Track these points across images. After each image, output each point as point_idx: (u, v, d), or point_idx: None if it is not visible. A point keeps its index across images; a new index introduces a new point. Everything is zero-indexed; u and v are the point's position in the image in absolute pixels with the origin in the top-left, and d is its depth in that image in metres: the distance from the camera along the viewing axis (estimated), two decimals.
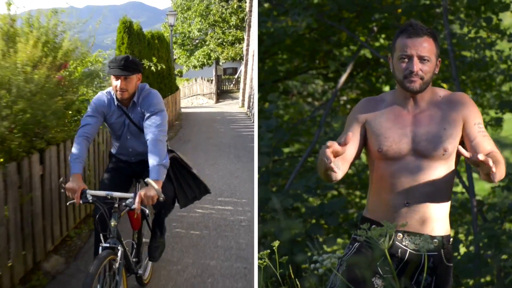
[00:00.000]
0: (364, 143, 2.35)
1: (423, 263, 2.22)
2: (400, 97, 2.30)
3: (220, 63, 19.31)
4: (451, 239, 2.32)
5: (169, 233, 4.84)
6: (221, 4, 16.06)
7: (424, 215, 2.22)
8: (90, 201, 3.01)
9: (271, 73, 6.07)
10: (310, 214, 5.03)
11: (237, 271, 4.16)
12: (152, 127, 3.21)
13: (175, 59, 16.38)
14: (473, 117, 2.24)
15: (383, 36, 5.99)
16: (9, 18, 4.49)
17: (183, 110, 14.98)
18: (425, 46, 2.19)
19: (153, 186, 2.92)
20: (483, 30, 5.59)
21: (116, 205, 3.01)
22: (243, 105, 16.56)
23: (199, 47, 17.14)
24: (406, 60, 2.21)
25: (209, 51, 16.45)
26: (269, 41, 5.45)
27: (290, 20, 5.29)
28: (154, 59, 8.42)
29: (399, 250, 2.24)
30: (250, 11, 14.90)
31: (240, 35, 16.16)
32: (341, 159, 2.21)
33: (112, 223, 3.02)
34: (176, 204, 3.75)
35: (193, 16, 16.48)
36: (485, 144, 2.19)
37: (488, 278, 4.67)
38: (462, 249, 4.84)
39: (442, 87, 5.60)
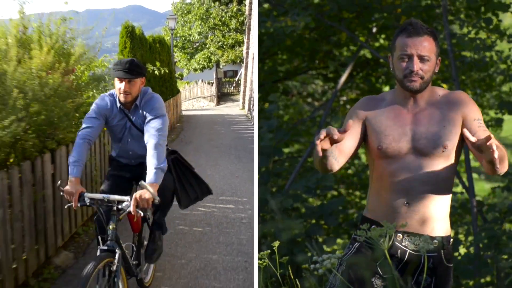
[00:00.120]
0: (363, 140, 2.35)
1: (423, 263, 2.22)
2: (400, 96, 2.30)
3: (221, 66, 19.38)
4: (451, 240, 2.32)
5: (173, 230, 5.00)
6: (221, 7, 16.12)
7: (424, 215, 2.22)
8: (88, 204, 3.02)
9: (271, 73, 6.07)
10: (310, 215, 5.03)
11: (238, 265, 4.34)
12: (153, 131, 3.21)
13: (176, 62, 16.43)
14: (473, 113, 2.24)
15: (383, 36, 5.99)
16: (21, 25, 4.75)
17: (184, 112, 15.14)
18: (425, 45, 2.19)
19: (148, 189, 2.92)
20: (483, 30, 5.59)
21: (115, 208, 3.02)
22: (243, 107, 16.60)
23: (199, 50, 17.21)
24: (406, 59, 2.21)
25: (210, 54, 16.52)
26: (269, 41, 5.45)
27: (289, 20, 5.28)
28: (158, 64, 8.55)
29: (399, 250, 2.24)
30: (250, 14, 14.93)
31: (240, 38, 16.21)
32: (338, 151, 2.21)
33: (110, 226, 3.02)
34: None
35: (193, 19, 16.56)
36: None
37: (488, 279, 4.67)
38: (462, 250, 4.84)
39: (442, 87, 5.60)
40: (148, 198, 2.91)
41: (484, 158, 2.04)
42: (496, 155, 1.95)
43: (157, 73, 8.56)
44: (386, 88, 6.09)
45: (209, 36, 16.71)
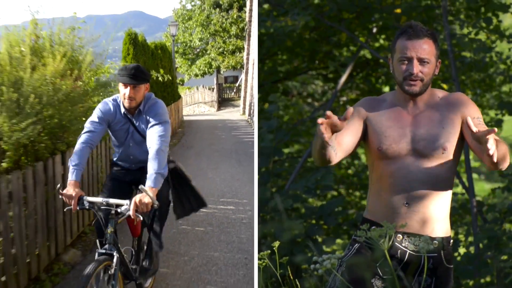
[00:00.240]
0: (362, 138, 2.35)
1: (423, 264, 2.22)
2: (400, 98, 2.30)
3: (221, 72, 19.45)
4: (451, 241, 2.32)
5: (176, 229, 5.19)
6: (221, 14, 16.21)
7: (424, 216, 2.22)
8: (87, 207, 3.02)
9: (271, 73, 6.06)
10: (309, 215, 5.03)
11: (238, 261, 4.54)
12: (155, 137, 3.22)
13: (177, 68, 16.51)
14: (472, 113, 2.24)
15: (383, 36, 5.98)
16: (34, 35, 5.06)
17: (185, 118, 15.30)
18: (425, 48, 2.20)
19: (148, 193, 2.92)
20: (483, 31, 5.58)
21: (113, 212, 3.02)
22: (244, 113, 16.71)
23: (200, 56, 17.30)
24: (406, 62, 2.21)
25: (210, 60, 16.61)
26: (269, 42, 5.45)
27: (289, 20, 5.28)
28: (162, 71, 8.74)
29: (399, 251, 2.24)
30: (250, 21, 15.03)
31: (240, 44, 16.32)
32: (337, 144, 2.20)
33: (109, 229, 3.03)
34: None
35: (194, 26, 16.65)
36: None
37: (488, 279, 4.66)
38: (462, 250, 4.83)
39: (442, 87, 5.60)
40: (147, 203, 2.91)
41: (484, 153, 2.03)
42: (491, 151, 1.94)
43: (161, 80, 8.75)
44: (386, 89, 6.09)
45: (209, 42, 16.82)
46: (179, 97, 14.02)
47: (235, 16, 16.25)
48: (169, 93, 12.17)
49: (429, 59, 2.21)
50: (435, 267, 2.25)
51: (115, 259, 3.01)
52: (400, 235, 2.24)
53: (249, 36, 15.25)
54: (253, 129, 12.40)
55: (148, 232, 3.62)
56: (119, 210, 3.00)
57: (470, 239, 4.94)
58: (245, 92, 16.48)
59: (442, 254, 2.25)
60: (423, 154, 2.22)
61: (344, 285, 2.22)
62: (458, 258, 4.67)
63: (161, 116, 3.33)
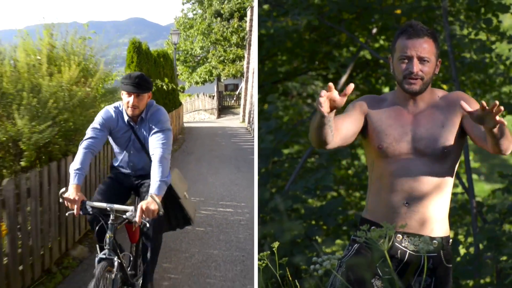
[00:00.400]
0: (362, 133, 2.33)
1: (423, 264, 2.22)
2: (401, 97, 2.30)
3: (222, 80, 19.57)
4: (451, 240, 2.32)
5: (177, 229, 5.23)
6: (222, 23, 16.33)
7: (423, 216, 2.22)
8: (90, 212, 3.04)
9: (271, 74, 6.06)
10: (309, 215, 5.02)
11: (236, 258, 4.78)
12: (158, 144, 3.24)
13: (178, 75, 16.61)
14: (472, 107, 2.24)
15: (382, 37, 5.98)
16: (49, 45, 5.50)
17: (185, 124, 15.54)
18: (425, 47, 2.20)
19: (155, 199, 2.96)
20: (483, 31, 5.58)
21: (113, 217, 3.03)
22: (243, 120, 16.82)
23: (201, 64, 17.43)
24: (406, 61, 2.21)
25: (211, 68, 16.76)
26: (269, 42, 5.45)
27: (290, 20, 5.28)
28: (166, 80, 8.92)
29: (399, 251, 2.24)
30: (250, 30, 15.12)
31: (241, 53, 16.45)
32: (335, 127, 2.17)
33: (108, 234, 3.03)
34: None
35: (195, 34, 16.79)
36: None
37: (487, 279, 4.66)
38: (462, 251, 4.82)
39: (442, 88, 5.60)
40: (154, 209, 2.95)
41: (486, 126, 1.98)
42: (496, 113, 1.90)
43: (165, 88, 8.94)
44: (386, 89, 6.09)
45: (210, 51, 16.97)
46: (180, 104, 14.26)
47: (235, 25, 16.40)
48: (170, 100, 12.45)
49: (429, 58, 2.21)
50: (434, 267, 2.25)
51: (115, 264, 3.03)
52: (399, 235, 2.24)
53: (249, 45, 15.41)
54: (252, 137, 12.58)
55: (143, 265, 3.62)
56: (123, 216, 3.03)
57: (470, 239, 4.94)
58: (245, 100, 16.60)
59: (442, 254, 2.25)
60: (423, 153, 2.22)
61: (344, 286, 2.21)
62: (458, 259, 4.67)
63: (164, 124, 3.36)
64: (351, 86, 1.98)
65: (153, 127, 3.34)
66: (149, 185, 3.22)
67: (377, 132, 2.28)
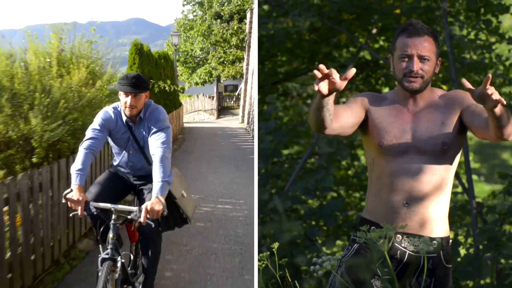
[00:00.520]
0: (362, 126, 2.33)
1: (422, 264, 2.22)
2: (401, 96, 2.30)
3: (221, 81, 19.64)
4: (450, 241, 2.32)
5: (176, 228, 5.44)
6: (222, 25, 16.41)
7: (423, 216, 2.22)
8: (95, 213, 3.08)
9: (271, 75, 6.06)
10: (309, 216, 5.02)
11: (234, 251, 5.03)
12: (158, 144, 3.25)
13: (178, 76, 16.71)
14: (470, 102, 2.23)
15: (382, 38, 5.98)
16: (59, 48, 5.84)
17: (185, 125, 15.69)
18: (425, 46, 2.20)
19: (161, 200, 2.99)
20: (483, 32, 5.58)
21: (115, 217, 3.07)
22: (243, 121, 16.88)
23: (201, 65, 17.52)
24: (406, 59, 2.22)
25: (211, 69, 16.85)
26: (269, 43, 5.45)
27: (290, 21, 5.28)
28: (168, 81, 9.12)
29: (398, 251, 2.24)
30: (250, 32, 15.16)
31: (240, 54, 16.53)
32: (335, 114, 2.15)
33: (111, 234, 3.07)
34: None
35: (196, 35, 16.89)
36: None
37: (487, 280, 4.66)
38: (462, 251, 4.82)
39: (442, 88, 5.59)
40: (158, 210, 2.97)
41: (487, 107, 1.97)
42: (495, 97, 1.90)
43: (168, 90, 9.12)
44: (386, 90, 6.09)
45: (210, 52, 17.08)
46: (180, 104, 14.38)
47: (235, 27, 16.48)
48: (171, 100, 12.63)
49: (429, 57, 2.21)
50: (434, 267, 2.25)
51: (119, 264, 3.06)
52: (399, 236, 2.24)
53: (249, 46, 15.48)
54: (252, 137, 12.67)
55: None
56: (129, 216, 3.06)
57: (470, 240, 4.93)
58: (244, 101, 16.67)
59: (442, 254, 2.25)
60: (423, 151, 2.22)
61: (343, 286, 2.21)
62: (458, 259, 4.66)
63: (162, 122, 3.38)
64: (353, 70, 1.96)
65: (152, 127, 3.35)
66: (150, 187, 3.25)
67: (377, 129, 2.28)
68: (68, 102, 5.16)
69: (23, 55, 5.69)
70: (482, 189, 7.96)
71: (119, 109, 3.46)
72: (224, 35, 16.53)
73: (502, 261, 4.51)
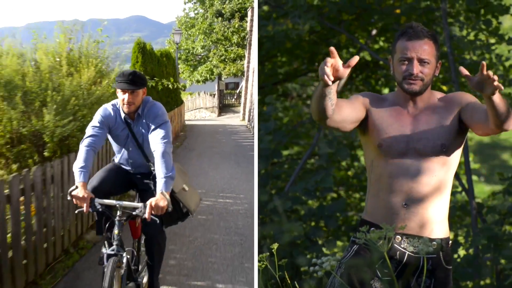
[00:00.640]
0: (361, 125, 2.33)
1: (422, 265, 2.22)
2: (401, 98, 2.31)
3: (222, 78, 19.67)
4: (450, 242, 2.32)
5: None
6: (223, 23, 16.45)
7: (423, 217, 2.22)
8: (100, 210, 3.09)
9: (271, 75, 6.06)
10: (309, 217, 5.02)
11: (235, 241, 5.23)
12: (158, 140, 3.27)
13: (179, 73, 16.72)
14: (469, 100, 2.25)
15: (382, 38, 5.98)
16: (67, 48, 6.14)
17: (187, 122, 15.77)
18: (425, 49, 2.20)
19: (166, 196, 3.02)
20: (483, 33, 5.58)
21: (121, 213, 3.10)
22: (244, 118, 16.94)
23: (202, 62, 17.55)
24: (406, 62, 2.22)
25: (212, 67, 16.88)
26: (268, 44, 5.45)
27: (290, 22, 5.27)
28: (172, 79, 9.29)
29: (398, 252, 2.24)
30: (251, 30, 15.20)
31: (241, 52, 16.57)
32: (337, 105, 2.14)
33: (116, 231, 3.10)
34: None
35: (197, 33, 16.92)
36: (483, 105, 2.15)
37: (487, 281, 4.66)
38: (462, 252, 4.82)
39: (442, 89, 5.60)
40: (163, 206, 3.00)
41: (485, 92, 1.96)
42: (494, 82, 1.89)
43: (171, 87, 9.50)
44: (386, 91, 6.09)
45: (211, 50, 17.09)
46: (182, 102, 14.45)
47: (236, 25, 16.52)
48: (173, 98, 12.73)
49: (429, 60, 2.21)
50: (434, 268, 2.25)
51: (124, 260, 3.10)
52: (399, 236, 2.24)
53: (250, 45, 15.54)
54: (252, 134, 12.71)
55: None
56: (134, 213, 3.09)
57: (470, 241, 4.93)
58: (245, 99, 16.71)
59: (441, 255, 2.25)
60: (422, 153, 2.22)
61: (343, 287, 2.21)
62: (458, 260, 4.66)
63: (161, 117, 3.39)
64: (356, 58, 1.97)
65: (151, 124, 3.37)
66: (152, 184, 3.31)
67: (377, 130, 2.28)
68: (78, 100, 5.47)
69: (33, 55, 6.03)
70: (482, 189, 7.96)
71: (117, 106, 3.48)
72: (225, 33, 16.56)
73: (502, 261, 4.51)
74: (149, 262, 3.62)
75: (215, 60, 16.70)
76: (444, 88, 5.62)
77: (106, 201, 3.11)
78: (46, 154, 5.15)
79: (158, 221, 3.08)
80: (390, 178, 2.24)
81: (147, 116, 3.42)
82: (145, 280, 3.86)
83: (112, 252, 3.05)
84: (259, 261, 2.36)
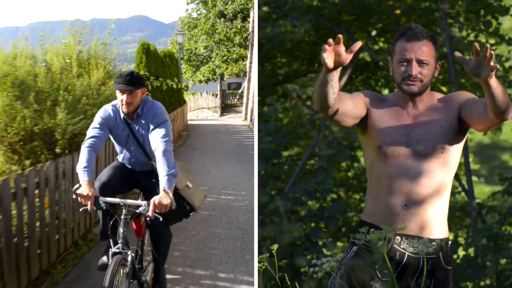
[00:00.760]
0: (361, 124, 2.33)
1: (422, 266, 2.22)
2: (400, 99, 2.31)
3: (225, 79, 19.70)
4: (450, 242, 2.32)
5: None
6: (225, 23, 16.49)
7: (422, 218, 2.22)
8: (104, 208, 3.11)
9: (271, 76, 6.07)
10: (309, 218, 5.02)
11: (236, 235, 5.41)
12: (158, 139, 3.29)
13: (182, 73, 16.76)
14: (468, 97, 2.26)
15: (382, 39, 5.98)
16: (76, 50, 6.40)
17: (189, 122, 15.85)
18: (424, 50, 2.21)
19: (169, 195, 3.03)
20: (483, 33, 5.58)
21: (126, 212, 3.12)
22: (245, 118, 16.98)
23: (204, 63, 17.58)
24: (405, 63, 2.22)
25: (214, 67, 16.92)
26: (268, 44, 5.45)
27: (289, 24, 5.28)
28: (176, 80, 9.44)
29: (398, 253, 2.24)
30: (253, 31, 15.23)
31: (243, 53, 16.60)
32: (338, 96, 2.15)
33: (121, 229, 3.13)
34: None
35: (199, 34, 16.96)
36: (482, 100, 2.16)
37: (487, 281, 4.65)
38: (461, 253, 4.82)
39: (442, 90, 5.60)
40: (166, 204, 3.02)
41: (482, 75, 1.96)
42: (490, 61, 1.90)
43: (175, 87, 9.75)
44: (386, 91, 6.09)
45: (214, 50, 17.14)
46: (184, 102, 14.50)
47: (239, 26, 16.55)
48: (176, 98, 12.83)
49: (428, 61, 2.21)
50: (433, 268, 2.25)
51: (129, 258, 3.14)
52: (398, 237, 2.24)
53: (252, 45, 15.57)
54: (254, 133, 12.76)
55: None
56: (137, 211, 3.11)
57: (470, 241, 4.93)
58: (247, 99, 16.74)
59: (441, 255, 2.25)
60: (422, 154, 2.22)
61: None
62: (458, 261, 4.66)
63: (161, 116, 3.42)
64: (358, 43, 1.97)
65: (151, 123, 3.40)
66: (155, 182, 3.31)
67: (377, 130, 2.29)
68: (89, 99, 5.73)
69: (44, 56, 6.30)
70: (482, 190, 7.96)
71: (117, 106, 3.50)
72: (228, 34, 16.60)
73: (502, 262, 4.50)
74: (155, 255, 3.66)
75: (218, 61, 16.73)
76: (444, 89, 5.62)
77: (110, 199, 3.13)
78: (57, 150, 5.41)
79: (161, 219, 3.10)
80: (390, 179, 2.24)
81: (146, 116, 3.44)
82: (148, 278, 3.89)
83: (117, 250, 3.09)
84: (259, 262, 2.36)
